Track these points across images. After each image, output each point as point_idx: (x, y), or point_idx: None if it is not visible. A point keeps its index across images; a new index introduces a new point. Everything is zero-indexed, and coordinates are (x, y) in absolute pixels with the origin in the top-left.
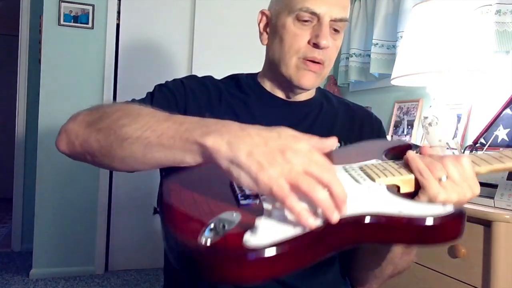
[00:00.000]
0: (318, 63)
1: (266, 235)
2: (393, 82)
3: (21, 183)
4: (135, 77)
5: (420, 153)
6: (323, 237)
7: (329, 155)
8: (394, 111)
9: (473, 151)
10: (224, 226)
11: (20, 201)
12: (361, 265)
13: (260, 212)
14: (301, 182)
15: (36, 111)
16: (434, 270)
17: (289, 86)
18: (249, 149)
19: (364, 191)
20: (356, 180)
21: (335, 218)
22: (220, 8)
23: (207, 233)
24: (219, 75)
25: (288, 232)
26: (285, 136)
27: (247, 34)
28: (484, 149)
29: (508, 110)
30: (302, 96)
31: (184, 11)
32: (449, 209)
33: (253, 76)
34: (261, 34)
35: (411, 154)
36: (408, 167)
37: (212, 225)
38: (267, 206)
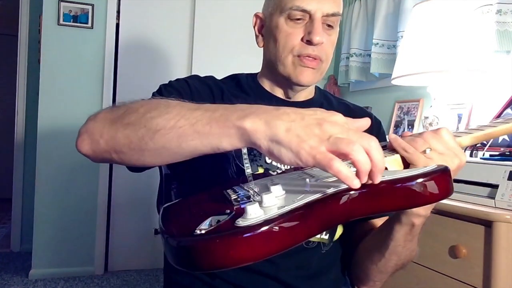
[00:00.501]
0: (314, 58)
1: (256, 216)
2: (393, 82)
3: (21, 183)
4: (135, 77)
5: (401, 136)
6: (311, 213)
7: None
8: (394, 111)
9: (474, 151)
10: (218, 221)
11: (20, 201)
12: (364, 259)
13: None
14: (341, 145)
15: (35, 111)
16: (435, 271)
17: (288, 84)
18: (287, 125)
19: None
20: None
21: (375, 181)
22: (220, 8)
23: (202, 226)
24: (219, 75)
25: (278, 210)
26: (321, 111)
27: (247, 34)
28: (485, 149)
29: (508, 110)
30: (302, 96)
31: (184, 11)
32: (432, 167)
33: (253, 76)
34: (257, 37)
35: (392, 135)
36: (391, 150)
37: (207, 221)
38: (256, 198)
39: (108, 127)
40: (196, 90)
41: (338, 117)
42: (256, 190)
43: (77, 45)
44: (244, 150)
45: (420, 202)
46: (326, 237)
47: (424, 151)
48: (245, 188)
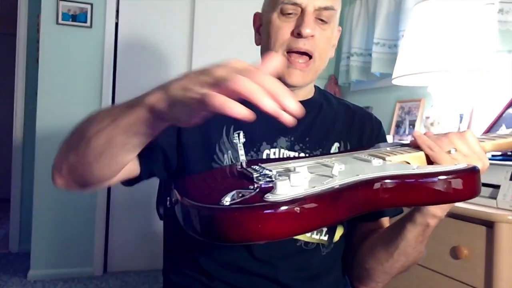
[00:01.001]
0: (304, 55)
1: (286, 193)
2: (394, 82)
3: (19, 184)
4: (134, 76)
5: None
6: (341, 196)
7: None
8: (395, 111)
9: None
10: (243, 195)
11: (18, 201)
12: (369, 259)
13: (273, 182)
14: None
15: (34, 110)
16: (436, 271)
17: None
18: (181, 83)
19: (376, 164)
20: (366, 160)
21: (285, 102)
22: (220, 7)
23: (227, 197)
24: None
25: (307, 190)
26: (227, 62)
27: (247, 34)
28: None
29: (510, 110)
30: (300, 95)
31: (183, 10)
32: (462, 165)
33: None
34: (255, 35)
35: (417, 132)
36: (415, 147)
37: (231, 193)
38: (281, 175)
39: (64, 154)
40: None
41: (234, 61)
42: (277, 171)
43: (76, 44)
44: (241, 152)
45: (449, 199)
46: (326, 238)
47: (449, 151)
48: (266, 168)
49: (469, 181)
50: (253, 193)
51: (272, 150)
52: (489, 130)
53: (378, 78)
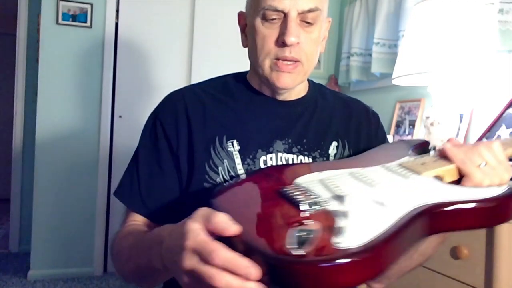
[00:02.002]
0: (292, 61)
1: (354, 234)
2: (394, 82)
3: (19, 184)
4: (134, 76)
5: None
6: (407, 230)
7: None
8: (395, 111)
9: None
10: (306, 236)
11: (18, 201)
12: None
13: (331, 214)
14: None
15: (34, 110)
16: (436, 271)
17: (270, 87)
18: (171, 264)
19: (418, 185)
20: (403, 176)
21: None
22: (219, 8)
23: (292, 242)
24: (218, 74)
25: (374, 228)
26: (187, 236)
27: None
28: None
29: (510, 110)
30: (293, 95)
31: (183, 10)
32: (506, 188)
33: (243, 76)
34: (241, 35)
35: (447, 145)
36: (444, 158)
37: (293, 235)
38: (335, 206)
39: (115, 265)
40: (172, 136)
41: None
42: (317, 192)
43: (76, 44)
44: (238, 160)
45: (498, 222)
46: None
47: (479, 165)
48: (301, 189)
49: None
50: (317, 234)
51: (269, 155)
52: (489, 130)
53: (378, 78)
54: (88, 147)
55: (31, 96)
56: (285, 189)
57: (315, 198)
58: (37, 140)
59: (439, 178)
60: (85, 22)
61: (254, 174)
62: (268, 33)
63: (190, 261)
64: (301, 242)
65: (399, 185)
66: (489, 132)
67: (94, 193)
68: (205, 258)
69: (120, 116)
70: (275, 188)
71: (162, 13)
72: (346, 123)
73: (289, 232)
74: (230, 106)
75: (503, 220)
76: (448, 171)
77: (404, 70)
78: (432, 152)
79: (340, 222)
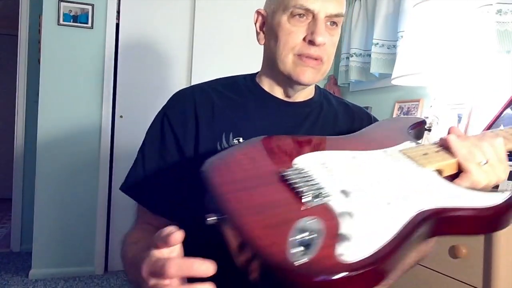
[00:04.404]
0: (315, 59)
1: (358, 244)
2: (393, 82)
3: (21, 183)
4: (135, 77)
5: (449, 133)
6: (413, 233)
7: (345, 143)
8: (394, 111)
9: None
10: (309, 237)
11: (20, 201)
12: None
13: (336, 215)
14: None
15: (35, 111)
16: (435, 270)
17: (288, 83)
18: None
19: (421, 181)
20: (407, 168)
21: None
22: (220, 8)
23: (294, 247)
24: (218, 75)
25: (379, 237)
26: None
27: (247, 33)
28: None
29: (508, 110)
30: (301, 96)
31: (184, 11)
32: (507, 194)
33: (251, 77)
34: (257, 34)
35: (452, 138)
36: (447, 150)
37: (297, 236)
38: (340, 201)
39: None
40: (175, 132)
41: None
42: (321, 182)
43: (77, 45)
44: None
45: (496, 229)
46: None
47: (480, 163)
48: (304, 175)
49: None
50: (321, 237)
51: None
52: (488, 130)
53: (377, 79)
54: (89, 147)
55: (32, 97)
56: (286, 173)
57: (319, 189)
58: (38, 140)
59: (439, 172)
60: (86, 23)
61: (251, 145)
62: (294, 29)
63: (149, 285)
64: (304, 244)
65: (403, 180)
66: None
67: (95, 193)
68: (160, 275)
69: (121, 116)
70: (275, 169)
71: (162, 14)
72: (349, 126)
73: (291, 233)
74: (239, 104)
75: (500, 228)
76: (449, 165)
77: (403, 70)
78: (426, 134)
79: (345, 225)
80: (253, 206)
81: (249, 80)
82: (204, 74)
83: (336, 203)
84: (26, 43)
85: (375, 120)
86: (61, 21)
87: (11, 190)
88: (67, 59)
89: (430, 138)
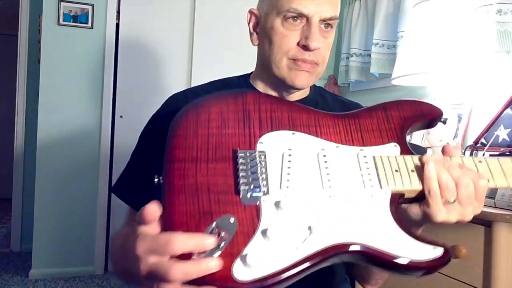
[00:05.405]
0: (311, 63)
1: (254, 265)
2: (393, 82)
3: (21, 183)
4: (135, 77)
5: (443, 152)
6: (307, 268)
7: (343, 129)
8: None
9: (474, 151)
10: (219, 234)
11: (20, 201)
12: (363, 270)
13: (253, 227)
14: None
15: (35, 110)
16: None
17: (282, 86)
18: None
19: (365, 202)
20: (364, 184)
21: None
22: (220, 8)
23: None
24: (219, 75)
25: (275, 263)
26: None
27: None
28: (485, 149)
29: (509, 110)
30: (296, 96)
31: (184, 11)
32: (437, 253)
33: (245, 78)
34: (251, 34)
35: (429, 169)
36: (421, 174)
37: (212, 230)
38: (268, 213)
39: None
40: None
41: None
42: (268, 174)
43: (77, 45)
44: None
45: (407, 275)
46: None
47: (448, 201)
48: (254, 164)
49: (433, 267)
50: (228, 239)
51: None
52: (487, 130)
53: (377, 79)
54: (89, 147)
55: (32, 97)
56: (240, 155)
57: (260, 187)
58: (38, 140)
59: (401, 194)
60: (86, 23)
61: (233, 99)
62: (288, 33)
63: (148, 263)
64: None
65: (348, 199)
66: (488, 132)
67: (95, 193)
68: (163, 251)
69: (121, 116)
70: (236, 142)
71: (162, 14)
72: None
73: (207, 229)
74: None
75: (411, 275)
76: (414, 191)
77: (403, 70)
78: (441, 126)
79: (254, 243)
80: (190, 185)
81: (243, 81)
82: (204, 74)
83: (267, 211)
84: (26, 43)
85: None
86: (61, 21)
87: (11, 190)
88: (67, 59)
89: (430, 138)
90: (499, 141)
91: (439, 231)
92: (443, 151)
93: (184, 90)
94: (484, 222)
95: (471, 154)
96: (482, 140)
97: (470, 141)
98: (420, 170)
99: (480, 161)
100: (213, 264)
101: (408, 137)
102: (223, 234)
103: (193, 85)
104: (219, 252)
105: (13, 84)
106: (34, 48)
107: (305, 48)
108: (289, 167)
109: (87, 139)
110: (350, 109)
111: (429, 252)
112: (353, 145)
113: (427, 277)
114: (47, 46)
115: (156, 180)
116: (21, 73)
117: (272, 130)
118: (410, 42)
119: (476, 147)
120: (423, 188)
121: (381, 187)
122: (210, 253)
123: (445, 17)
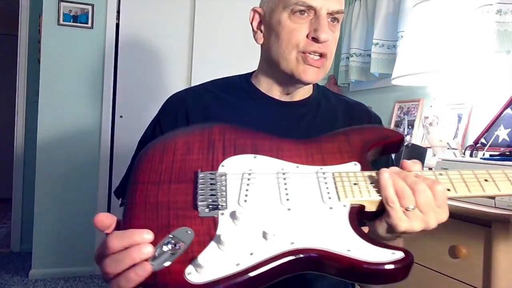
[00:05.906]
0: (320, 56)
1: (209, 270)
2: (393, 82)
3: (21, 183)
4: (135, 76)
5: (401, 167)
6: (264, 274)
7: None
8: (394, 111)
9: (474, 151)
10: (175, 246)
11: (20, 201)
12: None
13: (209, 237)
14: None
15: (35, 110)
16: (435, 271)
17: (290, 81)
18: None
19: (324, 213)
20: (322, 197)
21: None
22: (220, 8)
23: (159, 253)
24: (219, 74)
25: (228, 269)
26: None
27: (247, 33)
28: (485, 149)
29: (508, 110)
30: (299, 95)
31: (184, 11)
32: (397, 256)
33: (246, 77)
34: (255, 33)
35: (384, 178)
36: (379, 185)
37: (165, 244)
38: (224, 224)
39: None
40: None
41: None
42: (229, 190)
43: (77, 45)
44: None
45: (369, 283)
46: None
47: (407, 208)
48: (216, 181)
49: (396, 273)
50: (183, 248)
51: None
52: (487, 130)
53: (377, 79)
54: (89, 147)
55: (32, 97)
56: (200, 176)
57: (217, 203)
58: (38, 140)
59: (359, 206)
60: (86, 23)
61: (200, 131)
62: (296, 26)
63: (101, 269)
64: (168, 253)
65: (306, 210)
66: (488, 133)
67: (95, 193)
68: (105, 254)
69: (121, 116)
70: (198, 166)
71: (162, 14)
72: (347, 124)
73: (164, 239)
74: (233, 106)
75: (373, 283)
76: (372, 202)
77: (403, 70)
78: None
79: (209, 250)
80: (151, 203)
81: (244, 81)
82: (204, 74)
83: (224, 222)
84: (26, 43)
85: (375, 117)
86: (61, 21)
87: (11, 190)
88: (67, 59)
89: (430, 138)
90: (499, 141)
91: (440, 231)
92: (401, 166)
93: (185, 90)
94: (484, 222)
95: (471, 154)
96: (482, 140)
97: (470, 141)
98: (378, 182)
99: (440, 174)
100: (146, 268)
101: (408, 138)
102: (179, 244)
103: (193, 84)
104: (173, 258)
105: (13, 84)
106: (34, 48)
107: (315, 40)
108: (248, 185)
109: (87, 139)
110: (354, 109)
111: (388, 256)
112: (314, 165)
113: (427, 277)
114: (47, 46)
115: (120, 202)
116: (21, 73)
117: (234, 155)
118: (410, 42)
119: (476, 147)
120: (381, 199)
121: (339, 199)
122: (164, 259)
123: (445, 17)
